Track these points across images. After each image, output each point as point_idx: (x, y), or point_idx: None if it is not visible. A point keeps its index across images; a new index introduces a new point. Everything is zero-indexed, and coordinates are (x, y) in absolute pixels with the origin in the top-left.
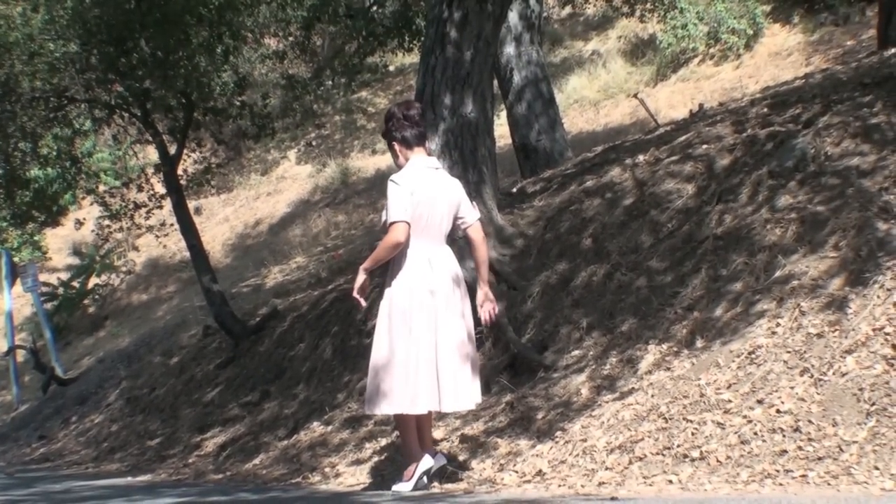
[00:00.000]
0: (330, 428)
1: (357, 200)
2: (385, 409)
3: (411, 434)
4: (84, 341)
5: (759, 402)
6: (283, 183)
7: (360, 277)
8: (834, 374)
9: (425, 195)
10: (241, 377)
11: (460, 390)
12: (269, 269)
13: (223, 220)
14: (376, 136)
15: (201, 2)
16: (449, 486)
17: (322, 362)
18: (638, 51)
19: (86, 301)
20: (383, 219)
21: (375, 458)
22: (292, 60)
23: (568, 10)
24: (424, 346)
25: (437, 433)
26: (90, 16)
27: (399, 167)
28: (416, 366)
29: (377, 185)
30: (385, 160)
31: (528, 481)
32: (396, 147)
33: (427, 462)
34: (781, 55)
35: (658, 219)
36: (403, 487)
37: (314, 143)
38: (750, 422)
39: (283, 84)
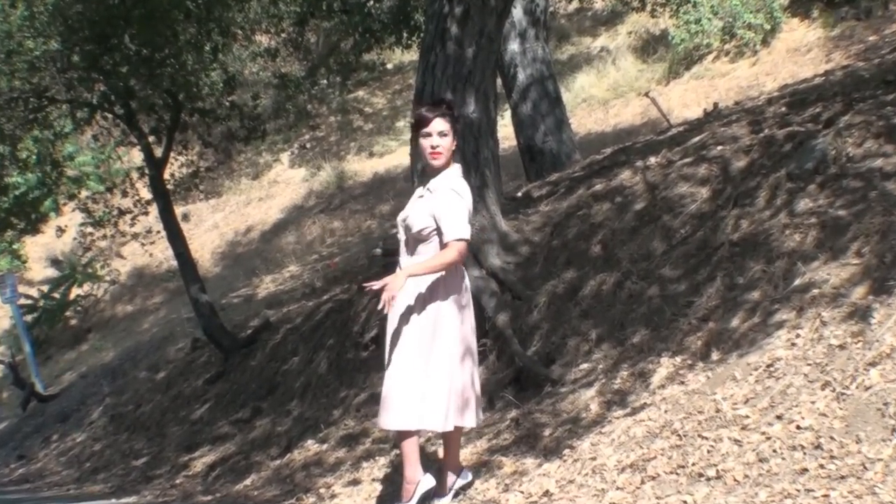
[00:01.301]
0: (325, 446)
1: (353, 206)
2: (435, 424)
3: (416, 451)
4: (66, 355)
5: (779, 417)
6: (276, 188)
7: (402, 281)
8: (857, 387)
9: (469, 213)
10: (232, 393)
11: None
12: (260, 279)
13: (212, 226)
14: (374, 138)
15: None
16: None
17: (317, 377)
18: (649, 47)
19: (67, 313)
20: (425, 226)
21: (373, 479)
22: (285, 58)
23: (575, 4)
24: (458, 361)
25: (438, 451)
26: (72, 12)
27: (447, 164)
28: (453, 380)
29: (374, 190)
30: (383, 163)
31: (535, 502)
32: (455, 142)
33: (428, 482)
34: (800, 51)
35: (671, 224)
36: None
37: (308, 145)
38: (769, 438)
39: (275, 83)
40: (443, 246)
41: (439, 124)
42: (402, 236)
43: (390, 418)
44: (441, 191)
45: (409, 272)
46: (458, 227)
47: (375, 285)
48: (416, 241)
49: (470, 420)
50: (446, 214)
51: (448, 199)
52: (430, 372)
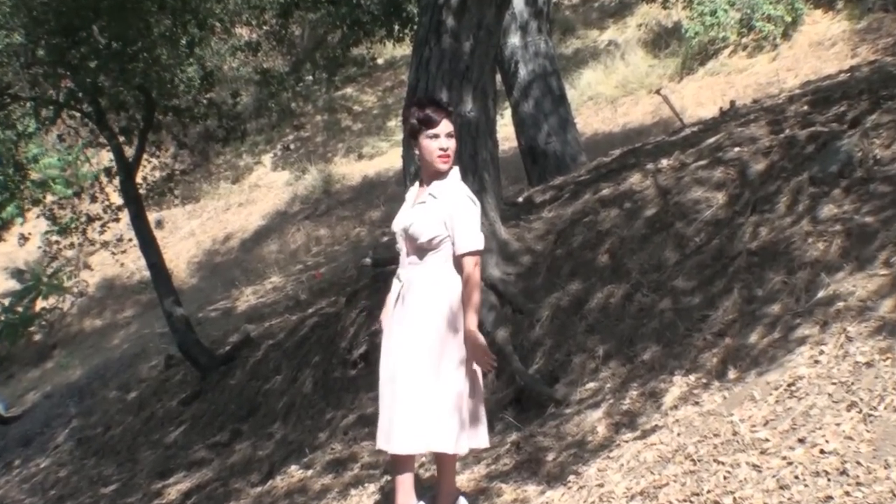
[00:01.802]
0: (310, 472)
1: (341, 212)
2: (446, 446)
3: (411, 478)
4: (29, 374)
5: (801, 441)
6: (257, 192)
7: (482, 339)
8: (886, 408)
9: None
10: (209, 414)
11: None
12: (240, 291)
13: (188, 234)
14: (363, 139)
15: None
16: None
17: (301, 397)
18: (661, 41)
19: (31, 328)
20: (435, 235)
21: None
22: (267, 53)
23: None
24: (468, 377)
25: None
26: (36, 2)
27: (440, 172)
28: (463, 398)
29: (364, 195)
30: (374, 166)
31: None
32: (447, 147)
33: None
34: (824, 45)
35: (684, 232)
36: None
37: (292, 146)
38: (790, 464)
39: (257, 80)
40: (455, 257)
41: (447, 125)
42: (402, 246)
43: (396, 441)
44: (452, 197)
45: (475, 326)
46: (474, 239)
47: (484, 365)
48: (422, 250)
49: (482, 440)
50: (461, 224)
51: (464, 206)
52: (440, 389)
